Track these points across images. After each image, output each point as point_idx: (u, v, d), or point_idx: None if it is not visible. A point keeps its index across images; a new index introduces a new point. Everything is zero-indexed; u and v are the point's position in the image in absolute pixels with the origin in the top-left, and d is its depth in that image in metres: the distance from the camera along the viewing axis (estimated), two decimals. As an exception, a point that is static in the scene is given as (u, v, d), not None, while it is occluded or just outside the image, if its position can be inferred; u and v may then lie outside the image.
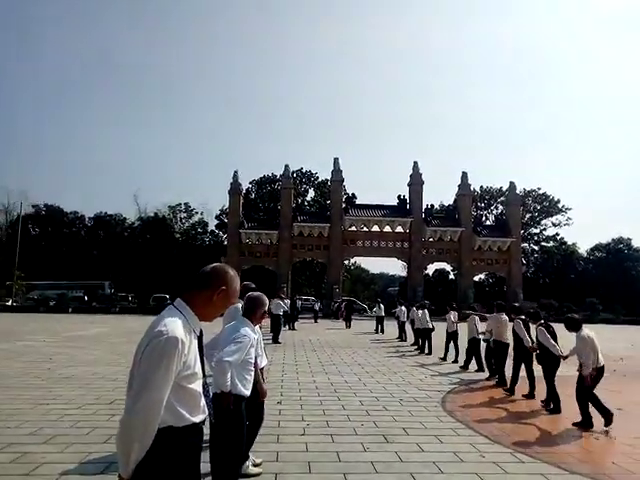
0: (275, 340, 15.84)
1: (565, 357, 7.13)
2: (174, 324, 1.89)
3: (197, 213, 60.21)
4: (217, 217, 58.58)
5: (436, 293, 48.04)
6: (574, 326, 6.76)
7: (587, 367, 6.30)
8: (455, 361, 12.62)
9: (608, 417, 6.19)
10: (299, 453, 4.92)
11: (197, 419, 1.97)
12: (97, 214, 59.02)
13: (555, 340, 7.51)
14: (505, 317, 9.78)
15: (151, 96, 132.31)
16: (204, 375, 2.14)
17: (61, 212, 58.60)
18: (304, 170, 59.04)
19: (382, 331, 22.11)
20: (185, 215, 60.42)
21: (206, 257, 49.86)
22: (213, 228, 59.32)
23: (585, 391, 6.34)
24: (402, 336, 19.09)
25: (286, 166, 44.50)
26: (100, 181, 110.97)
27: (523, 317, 8.58)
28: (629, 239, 56.71)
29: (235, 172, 43.85)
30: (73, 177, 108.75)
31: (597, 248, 58.11)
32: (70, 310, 36.85)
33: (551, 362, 7.43)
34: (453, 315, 13.39)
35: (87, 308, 38.36)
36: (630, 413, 7.15)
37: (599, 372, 6.45)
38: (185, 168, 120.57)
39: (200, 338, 2.10)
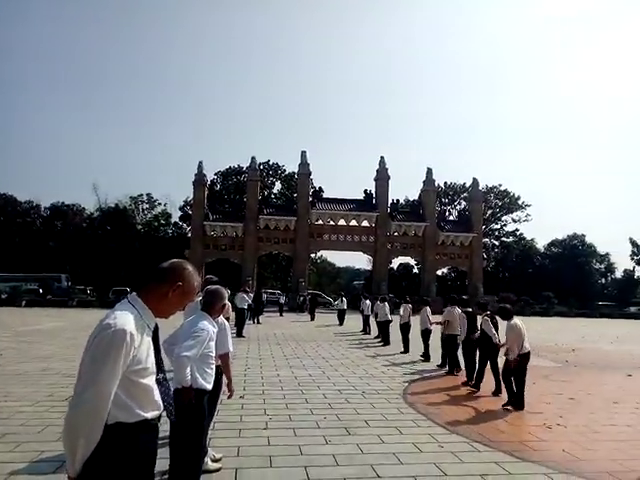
0: (239, 334, 15.70)
1: (502, 345, 7.76)
2: (124, 317, 1.86)
3: (160, 204, 58.67)
4: (181, 209, 57.30)
5: (400, 287, 48.80)
6: (506, 315, 7.57)
7: (513, 352, 7.06)
8: (405, 351, 13.26)
9: (510, 400, 7.03)
10: (260, 447, 4.90)
11: (149, 415, 1.92)
12: (54, 204, 56.55)
13: (496, 330, 8.23)
14: (458, 310, 10.06)
15: (114, 85, 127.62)
16: (162, 371, 2.09)
17: (14, 201, 55.82)
18: (271, 162, 58.49)
19: (342, 323, 22.82)
20: (147, 206, 58.74)
21: (169, 249, 48.77)
22: (177, 220, 57.94)
23: (509, 373, 7.18)
24: (366, 329, 19.39)
25: (252, 158, 43.96)
26: (57, 170, 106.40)
27: (489, 313, 8.83)
28: (583, 235, 59.45)
29: (200, 163, 42.97)
30: (27, 165, 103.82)
31: (553, 244, 60.56)
32: (23, 304, 35.29)
33: (490, 349, 8.21)
34: (403, 308, 13.87)
35: (42, 301, 36.77)
36: (581, 402, 7.50)
37: (525, 357, 7.13)
38: (147, 159, 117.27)
39: (155, 333, 2.05)
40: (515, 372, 7.09)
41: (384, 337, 15.51)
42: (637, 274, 61.67)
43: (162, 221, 57.93)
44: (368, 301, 20.19)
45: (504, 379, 7.34)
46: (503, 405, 7.05)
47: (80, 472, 1.79)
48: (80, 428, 1.74)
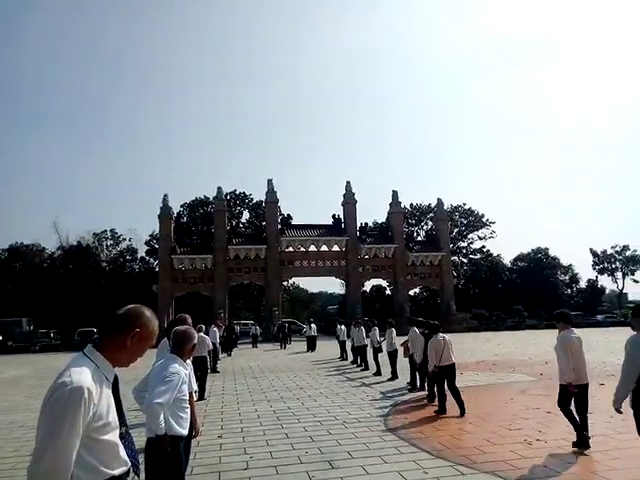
0: (213, 370, 15.28)
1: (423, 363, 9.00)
2: (80, 373, 1.76)
3: (125, 239, 57.29)
4: (147, 243, 56.10)
5: (374, 309, 48.95)
6: (434, 330, 8.56)
7: (431, 363, 8.29)
8: (377, 373, 13.53)
9: (442, 406, 8.02)
10: (242, 490, 4.72)
11: (116, 472, 1.83)
12: (12, 245, 54.45)
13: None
14: (416, 331, 10.64)
15: (68, 114, 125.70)
16: (124, 424, 2.00)
17: (-33, 244, 53.43)
18: (238, 192, 58.34)
19: (312, 349, 23.59)
20: (112, 242, 57.24)
21: (136, 285, 47.49)
22: (143, 255, 56.67)
23: (431, 381, 8.57)
24: (343, 355, 19.25)
25: (219, 188, 43.84)
26: (12, 209, 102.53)
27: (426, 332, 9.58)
28: (546, 248, 61.54)
29: (165, 196, 42.46)
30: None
31: (519, 258, 62.37)
32: (-18, 352, 33.35)
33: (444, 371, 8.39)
34: (388, 334, 13.91)
35: (3, 348, 34.88)
36: (558, 415, 7.58)
37: (447, 369, 8.15)
38: (110, 194, 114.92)
39: (115, 385, 1.96)
40: (437, 380, 8.21)
41: (362, 362, 15.50)
42: (600, 283, 64.10)
43: (128, 257, 56.49)
44: (343, 326, 20.23)
45: (429, 386, 8.71)
46: (435, 412, 8.06)
47: None
48: None
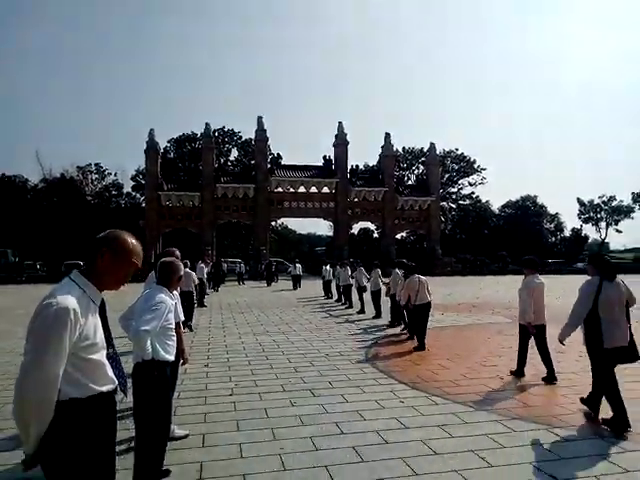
0: (200, 304, 15.57)
1: (407, 303, 9.09)
2: (65, 295, 1.82)
3: (110, 174, 56.10)
4: (133, 178, 55.04)
5: (361, 252, 49.57)
6: (411, 271, 9.26)
7: (403, 300, 9.08)
8: (361, 311, 14.05)
9: (421, 342, 8.45)
10: (227, 413, 4.94)
11: (104, 388, 1.93)
12: (-6, 175, 53.01)
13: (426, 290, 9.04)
14: (399, 273, 11.10)
15: (57, 46, 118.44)
16: (111, 346, 2.09)
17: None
18: (226, 129, 56.76)
19: (298, 287, 24.88)
20: (97, 176, 55.99)
21: (122, 220, 47.05)
22: (129, 190, 55.77)
23: (412, 319, 9.20)
24: (328, 294, 19.73)
25: (207, 124, 42.44)
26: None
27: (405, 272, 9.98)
28: (535, 196, 61.90)
29: (151, 130, 41.06)
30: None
31: (507, 205, 62.77)
32: (-33, 282, 33.41)
33: (419, 310, 8.85)
34: (374, 274, 14.16)
35: (-12, 279, 34.94)
36: (530, 354, 7.96)
37: (423, 307, 8.72)
38: (95, 126, 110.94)
39: (102, 308, 2.03)
40: (418, 319, 8.75)
41: (347, 300, 15.96)
42: (584, 232, 65.34)
43: (114, 192, 55.53)
44: (329, 267, 20.68)
45: (410, 325, 9.34)
46: (414, 348, 8.45)
47: (36, 449, 1.79)
48: (29, 408, 1.72)
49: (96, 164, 55.60)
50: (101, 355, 1.94)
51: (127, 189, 55.88)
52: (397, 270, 11.24)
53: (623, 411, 4.36)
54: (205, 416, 4.84)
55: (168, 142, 54.78)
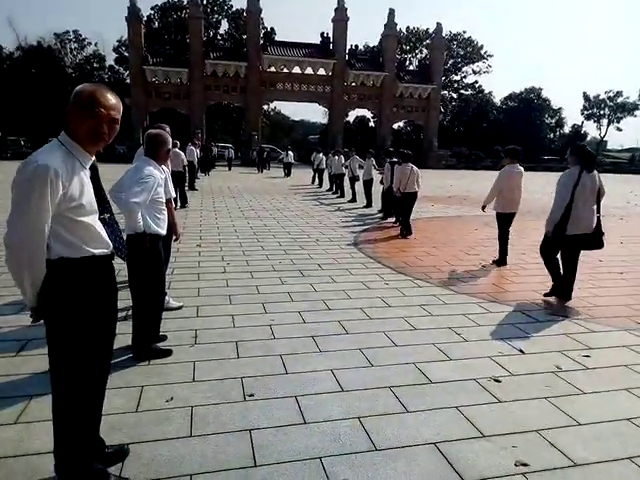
0: (191, 187, 15.50)
1: (396, 190, 9.27)
2: (48, 154, 1.81)
3: (90, 44, 51.82)
4: (115, 50, 50.96)
5: (356, 141, 48.41)
6: (405, 159, 9.27)
7: (395, 187, 9.27)
8: (352, 200, 14.24)
9: (407, 228, 8.80)
10: (220, 288, 5.18)
11: (97, 251, 1.96)
12: (-38, 40, 48.75)
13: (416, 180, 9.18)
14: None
15: None
16: (107, 211, 2.11)
17: None
18: (216, -4, 51.43)
19: (288, 175, 25.12)
20: (76, 46, 51.76)
21: (108, 97, 44.51)
22: (112, 63, 51.99)
23: (398, 206, 9.49)
24: (319, 182, 19.74)
25: (194, -10, 38.32)
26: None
27: (394, 161, 10.29)
28: (540, 89, 59.00)
29: (132, -7, 37.10)
30: None
31: (510, 97, 60.08)
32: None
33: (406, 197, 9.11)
34: (367, 163, 13.93)
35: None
36: (514, 244, 8.19)
37: (409, 195, 8.96)
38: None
39: (94, 172, 2.00)
40: (403, 206, 9.04)
41: (339, 189, 15.96)
42: (584, 129, 63.86)
43: (95, 64, 51.75)
44: (321, 154, 20.36)
45: (395, 212, 9.71)
46: (400, 234, 8.86)
47: (37, 304, 1.90)
48: (19, 261, 1.79)
49: (74, 31, 51.14)
50: (92, 219, 1.95)
51: (110, 62, 52.13)
52: (387, 161, 11.11)
53: (563, 284, 5.01)
54: (199, 290, 5.07)
55: (152, 9, 49.94)
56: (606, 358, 3.60)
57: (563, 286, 5.06)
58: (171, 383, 3.06)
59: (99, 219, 2.02)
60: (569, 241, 4.90)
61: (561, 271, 5.09)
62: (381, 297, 5.00)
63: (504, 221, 6.80)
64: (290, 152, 26.16)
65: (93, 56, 51.74)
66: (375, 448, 2.44)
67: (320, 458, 2.35)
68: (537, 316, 4.55)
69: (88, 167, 1.95)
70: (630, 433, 2.63)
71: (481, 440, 2.53)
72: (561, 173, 5.11)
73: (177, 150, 12.13)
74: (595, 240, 4.94)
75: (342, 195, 15.58)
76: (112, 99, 1.91)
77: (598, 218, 4.98)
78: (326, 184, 18.52)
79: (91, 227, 1.94)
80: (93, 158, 1.99)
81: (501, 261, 6.76)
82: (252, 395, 2.93)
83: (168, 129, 4.43)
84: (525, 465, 2.33)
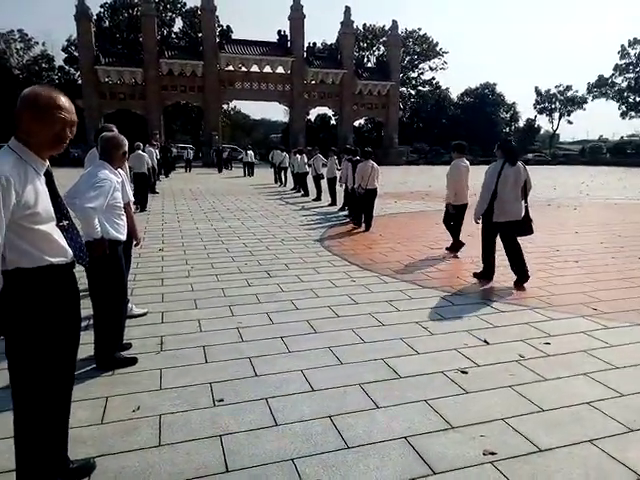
0: (152, 190, 15.09)
1: (358, 187, 9.33)
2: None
3: (37, 44, 49.55)
4: (65, 49, 48.84)
5: (318, 139, 48.46)
6: (366, 156, 9.45)
7: (356, 184, 9.35)
8: (317, 199, 14.31)
9: (368, 224, 9.17)
10: (185, 293, 5.06)
11: (55, 260, 1.89)
12: None
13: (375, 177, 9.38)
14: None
15: None
16: (66, 218, 2.02)
17: None
18: (169, -7, 50.19)
19: (251, 174, 25.22)
20: (22, 46, 49.36)
21: (59, 99, 42.71)
22: (62, 64, 49.89)
23: (359, 203, 9.53)
24: (280, 181, 19.76)
25: (146, -14, 37.28)
26: None
27: (350, 158, 10.61)
28: (494, 84, 60.81)
29: (81, -10, 35.71)
30: None
31: (466, 93, 61.63)
32: None
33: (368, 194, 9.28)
34: (330, 161, 13.96)
35: None
36: (476, 237, 8.44)
37: (372, 192, 9.17)
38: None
39: (49, 178, 1.93)
40: (366, 202, 9.20)
41: (302, 188, 15.94)
42: (537, 123, 66.32)
43: (44, 65, 49.54)
44: (279, 151, 20.38)
45: (355, 208, 9.71)
46: (359, 229, 9.25)
47: None
48: None
49: (19, 30, 48.74)
50: (49, 227, 1.87)
51: (59, 62, 50.00)
52: (345, 158, 11.30)
53: (492, 269, 5.63)
54: (163, 296, 4.94)
55: (101, 7, 48.16)
56: (566, 345, 3.75)
57: (516, 269, 5.46)
58: (137, 392, 2.96)
59: (57, 226, 1.95)
60: (500, 227, 5.42)
61: (494, 257, 5.64)
62: (348, 294, 5.02)
63: (457, 213, 7.17)
64: (250, 152, 25.94)
65: (41, 56, 49.51)
66: (347, 446, 2.44)
67: (292, 460, 2.34)
68: (500, 307, 4.69)
69: (42, 173, 1.88)
70: (590, 417, 2.74)
71: (450, 432, 2.58)
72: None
73: (140, 152, 12.03)
74: (525, 226, 5.44)
75: (306, 194, 15.57)
76: (68, 101, 1.87)
77: (526, 207, 5.46)
78: (290, 183, 18.46)
79: (48, 235, 1.87)
80: (47, 163, 1.92)
81: (455, 246, 7.22)
82: (222, 400, 2.88)
83: (115, 129, 4.28)
84: (493, 454, 2.39)
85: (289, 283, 5.46)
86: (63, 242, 1.95)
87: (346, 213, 11.45)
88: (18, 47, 49.19)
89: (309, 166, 15.56)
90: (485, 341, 3.81)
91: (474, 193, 6.96)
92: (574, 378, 3.20)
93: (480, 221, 5.66)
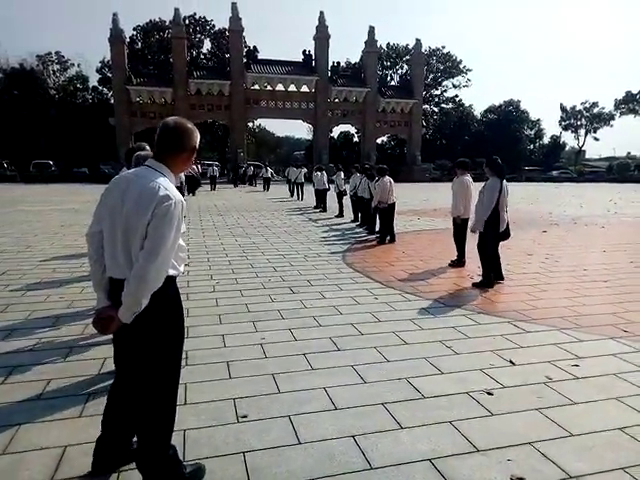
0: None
1: (378, 204, 9.75)
2: (172, 186, 2.04)
3: (73, 65, 51.68)
4: (99, 71, 50.90)
5: (341, 156, 48.82)
6: (382, 173, 9.85)
7: (377, 201, 9.70)
8: (339, 215, 14.48)
9: (382, 238, 9.57)
10: (209, 308, 5.14)
11: (181, 269, 2.25)
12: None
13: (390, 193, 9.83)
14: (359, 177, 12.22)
15: None
16: None
17: None
18: (197, 16, 51.85)
19: (267, 189, 27.12)
20: (59, 67, 51.54)
21: (90, 117, 44.53)
22: (95, 84, 51.90)
23: (377, 217, 10.22)
24: (297, 195, 20.88)
25: (176, 10, 38.62)
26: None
27: (370, 175, 11.00)
28: (518, 101, 60.38)
29: (114, 15, 37.25)
30: None
31: (490, 110, 61.34)
32: None
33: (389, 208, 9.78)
34: (352, 179, 14.01)
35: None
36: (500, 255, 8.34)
37: (392, 206, 9.68)
38: (50, 9, 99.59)
39: None
40: (386, 216, 9.62)
41: (321, 204, 16.38)
42: (562, 139, 65.34)
43: (78, 85, 51.56)
44: (295, 168, 21.88)
45: (380, 222, 9.92)
46: (377, 240, 9.67)
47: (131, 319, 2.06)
48: (150, 286, 1.97)
49: (56, 52, 50.99)
50: (182, 239, 2.19)
51: (93, 82, 52.03)
52: (361, 176, 11.88)
53: (499, 271, 6.32)
54: (188, 311, 5.01)
55: (134, 30, 50.09)
56: (595, 367, 3.65)
57: (495, 273, 6.22)
58: (162, 407, 3.01)
59: None
60: (499, 236, 6.16)
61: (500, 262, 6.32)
62: (371, 312, 5.01)
63: (463, 226, 7.46)
64: (269, 168, 28.87)
65: (76, 77, 51.61)
66: (370, 467, 2.43)
67: (316, 479, 2.33)
68: (526, 327, 4.60)
69: None
70: (622, 443, 2.65)
71: (476, 455, 2.53)
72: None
73: None
74: (508, 232, 6.26)
75: (324, 210, 15.88)
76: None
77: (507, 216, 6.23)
78: (307, 198, 18.87)
79: (183, 248, 2.23)
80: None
81: (458, 262, 7.48)
82: (245, 416, 2.90)
83: (148, 147, 4.42)
84: (521, 479, 2.33)
85: (312, 299, 5.48)
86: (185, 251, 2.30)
87: (366, 229, 11.50)
88: (55, 68, 51.44)
89: (331, 183, 15.79)
90: (511, 362, 3.74)
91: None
92: (605, 402, 3.10)
93: (477, 232, 6.21)
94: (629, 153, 74.95)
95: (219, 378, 3.43)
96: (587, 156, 78.09)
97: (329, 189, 16.37)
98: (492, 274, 6.21)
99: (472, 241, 6.88)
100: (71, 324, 4.54)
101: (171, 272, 2.09)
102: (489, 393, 3.21)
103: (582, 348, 4.04)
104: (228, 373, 3.51)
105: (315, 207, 17.21)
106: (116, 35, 37.31)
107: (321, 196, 16.42)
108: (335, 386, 3.30)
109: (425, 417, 2.90)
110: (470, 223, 6.96)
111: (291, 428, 2.77)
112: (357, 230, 11.65)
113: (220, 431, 2.74)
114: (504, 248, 6.71)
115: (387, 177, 9.73)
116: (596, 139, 69.12)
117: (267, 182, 27.52)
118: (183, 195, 10.67)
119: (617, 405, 3.07)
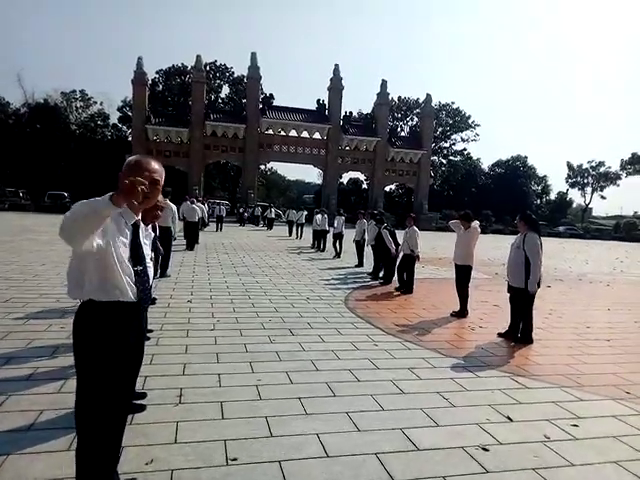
0: (190, 245, 15.58)
1: (396, 254, 10.04)
2: None
3: (96, 103, 53.93)
4: (120, 109, 52.96)
5: (349, 201, 49.53)
6: (408, 223, 9.95)
7: (400, 250, 9.91)
8: (336, 256, 15.04)
9: (405, 287, 9.42)
10: (208, 346, 5.12)
11: (122, 298, 2.26)
12: (-29, 96, 50.44)
13: (395, 240, 10.32)
14: (367, 223, 12.76)
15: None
16: (139, 264, 2.39)
17: None
18: (218, 63, 54.36)
19: (270, 228, 28.62)
20: (82, 104, 53.72)
21: (108, 152, 45.82)
22: (116, 122, 53.87)
23: (395, 265, 10.05)
24: (296, 235, 22.54)
25: (198, 57, 40.59)
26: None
27: (386, 226, 10.93)
28: (525, 157, 61.68)
29: (139, 59, 39.18)
30: None
31: (497, 164, 62.53)
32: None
33: (385, 256, 10.15)
34: (359, 224, 14.17)
35: (-32, 205, 34.23)
36: (503, 309, 8.26)
37: (415, 257, 9.54)
38: (79, 50, 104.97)
39: (135, 228, 2.39)
40: (412, 266, 9.54)
41: (319, 244, 17.45)
42: (569, 196, 65.99)
43: (99, 122, 53.56)
44: (294, 211, 24.45)
45: (398, 272, 9.75)
46: (396, 288, 9.60)
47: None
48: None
49: (81, 91, 53.34)
50: (120, 267, 2.23)
51: (113, 120, 54.00)
52: (372, 221, 12.09)
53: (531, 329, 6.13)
54: (187, 348, 5.02)
55: (157, 73, 52.48)
56: (595, 428, 3.57)
57: (529, 329, 6.09)
58: (152, 444, 2.98)
59: (133, 270, 2.30)
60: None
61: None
62: (370, 359, 4.97)
63: (466, 273, 7.62)
64: (273, 209, 30.79)
65: (97, 114, 53.66)
66: (359, 519, 2.37)
67: (302, 529, 2.28)
68: (526, 382, 4.53)
69: (131, 224, 2.32)
70: (619, 507, 2.57)
71: (468, 512, 2.47)
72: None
73: (190, 204, 15.59)
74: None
75: (323, 250, 16.99)
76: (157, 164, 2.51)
77: None
78: (305, 238, 20.44)
79: (118, 274, 2.24)
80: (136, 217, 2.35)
81: (461, 313, 7.44)
82: (235, 459, 2.86)
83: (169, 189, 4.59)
84: (513, 540, 2.26)
85: (311, 343, 5.46)
86: (131, 283, 2.23)
87: (369, 273, 11.58)
88: (78, 105, 53.59)
89: (330, 225, 16.66)
90: (508, 418, 3.67)
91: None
92: (602, 466, 3.02)
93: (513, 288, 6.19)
94: (636, 212, 75.24)
95: (211, 418, 3.39)
96: (594, 214, 78.56)
97: (329, 231, 17.36)
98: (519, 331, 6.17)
99: (476, 291, 6.88)
100: (68, 355, 4.54)
101: (93, 296, 2.15)
102: (485, 449, 3.15)
103: (582, 408, 3.96)
104: (221, 413, 3.48)
105: (312, 246, 18.29)
106: (139, 77, 39.04)
107: (319, 236, 17.60)
108: (328, 432, 3.26)
109: (418, 470, 2.84)
110: (473, 272, 7.04)
111: (281, 474, 2.72)
112: (360, 274, 11.67)
113: (208, 473, 2.70)
114: (507, 302, 6.68)
115: (414, 227, 9.76)
116: (603, 197, 69.83)
117: (271, 222, 29.18)
118: (204, 225, 11.21)
119: (616, 469, 2.99)
